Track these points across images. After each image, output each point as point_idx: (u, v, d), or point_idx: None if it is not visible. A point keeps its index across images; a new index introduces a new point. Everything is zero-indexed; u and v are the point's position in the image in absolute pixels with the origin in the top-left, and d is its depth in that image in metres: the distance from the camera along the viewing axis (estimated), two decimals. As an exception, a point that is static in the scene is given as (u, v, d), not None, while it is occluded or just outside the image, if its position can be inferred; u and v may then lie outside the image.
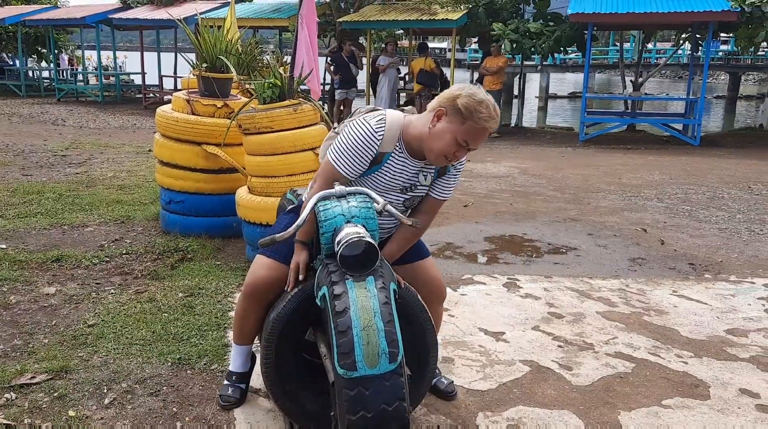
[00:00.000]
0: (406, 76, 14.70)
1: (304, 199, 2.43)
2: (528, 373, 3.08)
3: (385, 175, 2.32)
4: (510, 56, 13.13)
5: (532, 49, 12.26)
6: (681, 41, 13.67)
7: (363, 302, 1.81)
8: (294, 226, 2.04)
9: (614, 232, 5.72)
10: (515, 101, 33.33)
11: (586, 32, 11.68)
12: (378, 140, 2.23)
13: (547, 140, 12.61)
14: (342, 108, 13.19)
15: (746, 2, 9.96)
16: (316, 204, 2.05)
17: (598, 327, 3.64)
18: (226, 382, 2.69)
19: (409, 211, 2.49)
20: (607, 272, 4.64)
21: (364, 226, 1.98)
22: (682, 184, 7.84)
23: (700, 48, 13.31)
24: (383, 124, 2.25)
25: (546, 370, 3.11)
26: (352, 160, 2.24)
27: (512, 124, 15.69)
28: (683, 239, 5.51)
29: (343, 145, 2.26)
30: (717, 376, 3.09)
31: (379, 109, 2.40)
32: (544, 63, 30.52)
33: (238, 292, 3.92)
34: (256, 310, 2.43)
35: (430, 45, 17.95)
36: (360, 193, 2.09)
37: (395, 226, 2.45)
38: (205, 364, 3.01)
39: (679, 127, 12.35)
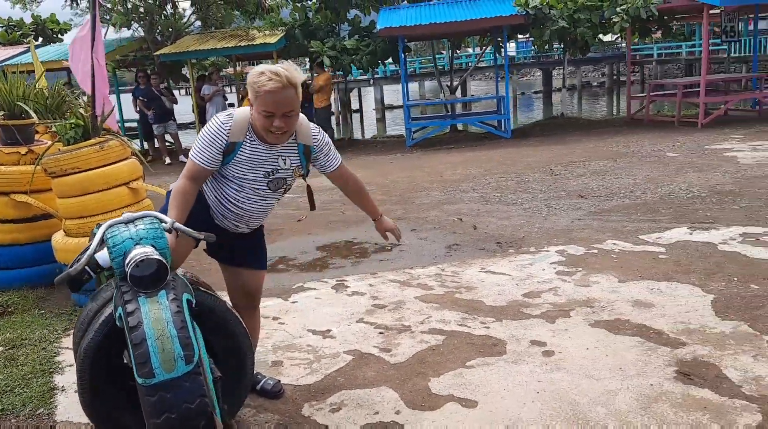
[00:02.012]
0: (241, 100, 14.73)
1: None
2: (351, 361, 3.36)
3: (241, 161, 2.59)
4: (333, 73, 13.61)
5: (351, 64, 12.80)
6: (485, 45, 14.92)
7: (155, 314, 1.97)
8: (85, 256, 2.15)
9: (435, 224, 6.22)
10: (356, 116, 34.52)
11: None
12: (226, 131, 2.53)
13: (379, 149, 13.21)
14: (164, 143, 13.08)
15: (530, 6, 11.15)
16: (104, 232, 2.17)
17: (415, 310, 4.01)
18: None
19: (283, 190, 2.78)
20: (427, 261, 5.07)
21: (153, 245, 2.13)
22: (494, 175, 8.63)
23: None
24: (230, 118, 2.55)
25: (368, 355, 3.41)
26: (206, 152, 2.54)
27: (349, 138, 16.19)
28: (493, 222, 6.12)
29: (199, 141, 2.57)
30: (513, 333, 3.56)
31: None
32: (376, 76, 31.80)
33: (65, 336, 3.87)
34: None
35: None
36: (148, 216, 2.24)
37: (273, 203, 2.83)
38: (30, 410, 2.98)
39: (496, 123, 13.45)
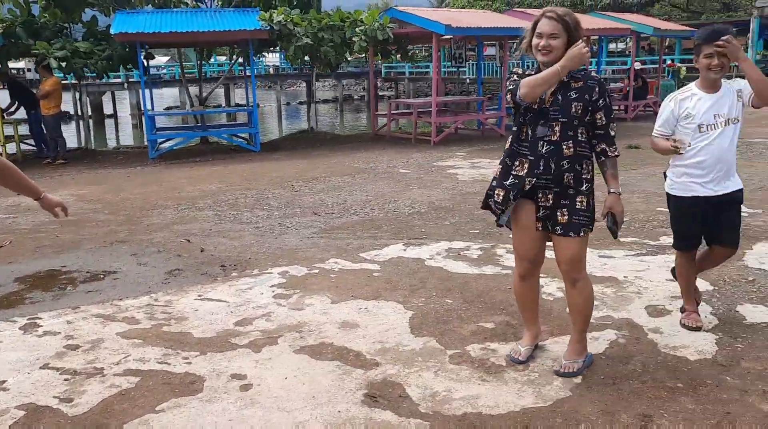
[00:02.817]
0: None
1: None
2: (21, 417, 2.95)
3: None
4: (64, 77, 12.34)
5: (85, 68, 11.72)
6: (235, 56, 14.72)
7: None
8: None
9: (159, 247, 5.86)
10: (110, 121, 31.95)
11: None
12: None
13: (119, 161, 12.28)
14: None
15: (275, 21, 11.21)
16: None
17: (113, 349, 3.68)
18: None
19: None
20: (141, 290, 4.73)
21: None
22: (235, 191, 8.47)
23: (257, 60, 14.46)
24: None
25: (43, 409, 3.02)
26: None
27: (84, 148, 14.80)
28: (223, 243, 5.95)
29: None
30: (215, 368, 3.42)
31: None
32: (131, 80, 29.70)
33: None
34: None
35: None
36: None
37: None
38: None
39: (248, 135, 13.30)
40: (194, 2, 14.48)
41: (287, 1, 14.29)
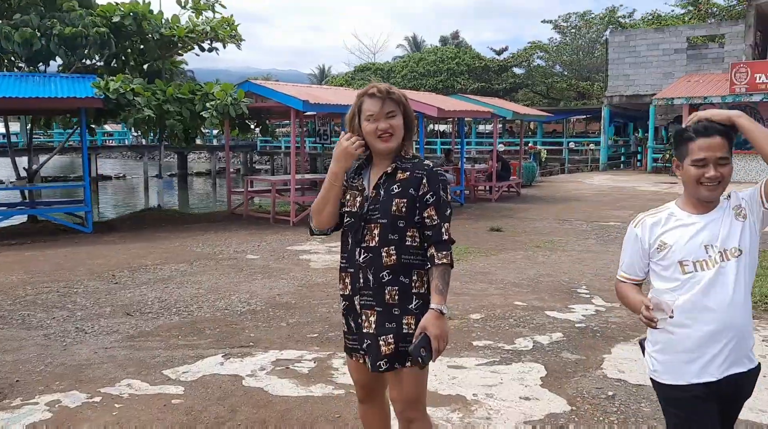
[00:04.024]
0: None
1: None
2: None
3: None
4: None
5: None
6: (73, 125, 13.36)
7: None
8: None
9: None
10: None
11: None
12: None
13: None
14: None
15: (111, 90, 10.12)
16: None
17: None
18: None
19: None
20: None
21: None
22: (40, 284, 7.10)
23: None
24: None
25: None
26: None
27: None
28: (-9, 359, 4.68)
29: None
30: None
31: None
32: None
33: None
34: None
35: None
36: None
37: None
38: None
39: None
40: (30, 67, 13.06)
41: (138, 70, 13.29)
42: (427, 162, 2.60)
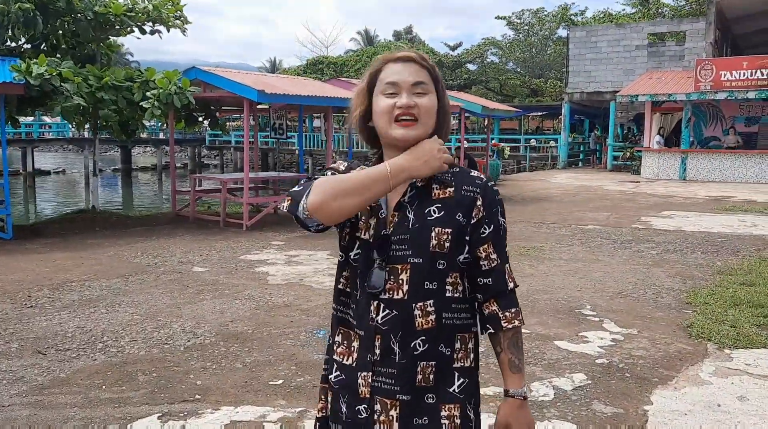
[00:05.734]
0: None
1: None
2: None
3: None
4: None
5: None
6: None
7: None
8: None
9: None
10: None
11: None
12: None
13: None
14: None
15: (33, 74, 8.73)
16: None
17: None
18: None
19: None
20: None
21: None
22: (-65, 308, 5.79)
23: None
24: None
25: None
26: None
27: None
28: None
29: None
30: None
31: None
32: None
33: None
34: None
35: None
36: None
37: None
38: None
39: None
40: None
41: (70, 53, 11.81)
42: (475, 173, 1.64)
